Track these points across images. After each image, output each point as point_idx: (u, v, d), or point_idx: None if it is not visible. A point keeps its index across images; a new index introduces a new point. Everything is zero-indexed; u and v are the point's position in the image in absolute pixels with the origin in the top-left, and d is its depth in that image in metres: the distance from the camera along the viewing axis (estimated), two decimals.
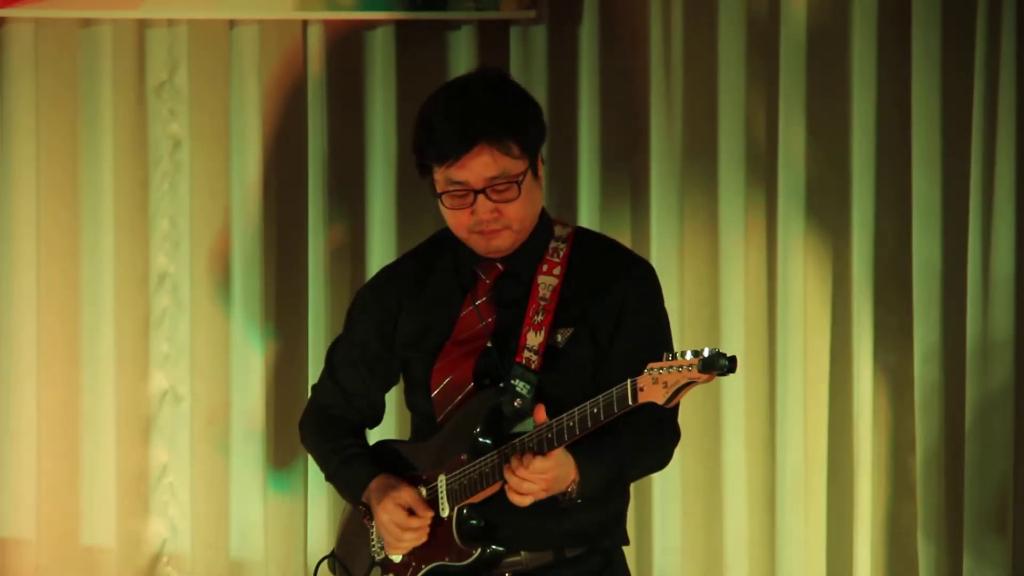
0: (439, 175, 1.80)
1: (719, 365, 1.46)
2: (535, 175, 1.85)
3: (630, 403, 1.56)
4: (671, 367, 1.53)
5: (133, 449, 2.80)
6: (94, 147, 2.75)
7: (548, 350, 1.78)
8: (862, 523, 3.11)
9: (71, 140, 2.75)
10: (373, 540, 1.85)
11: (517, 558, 1.76)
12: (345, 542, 1.94)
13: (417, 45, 2.83)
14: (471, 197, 1.79)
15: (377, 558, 1.86)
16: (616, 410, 1.59)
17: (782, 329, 2.98)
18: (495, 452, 1.69)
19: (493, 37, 2.88)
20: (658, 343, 1.74)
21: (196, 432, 2.80)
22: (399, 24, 2.82)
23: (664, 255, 2.81)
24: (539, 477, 1.63)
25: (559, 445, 1.61)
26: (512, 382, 1.78)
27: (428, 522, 1.76)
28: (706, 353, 1.47)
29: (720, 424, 2.95)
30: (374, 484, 1.81)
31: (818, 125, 3.09)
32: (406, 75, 2.80)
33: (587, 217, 2.83)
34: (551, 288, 1.88)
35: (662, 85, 2.96)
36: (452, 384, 1.87)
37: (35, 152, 2.73)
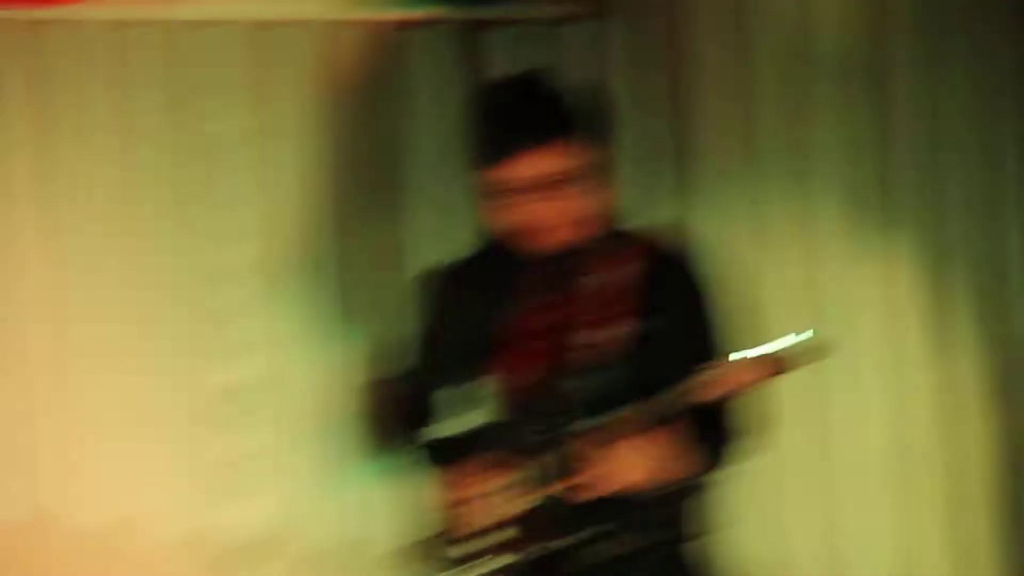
0: (489, 176, 1.86)
1: (776, 365, 1.65)
2: (588, 173, 1.90)
3: (686, 399, 1.72)
4: (723, 366, 1.70)
5: (215, 438, 2.85)
6: (156, 145, 2.79)
7: (611, 345, 1.85)
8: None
9: (130, 139, 2.78)
10: (472, 516, 1.92)
11: (604, 543, 1.85)
12: (440, 520, 1.97)
13: (473, 43, 2.84)
14: (520, 196, 1.85)
15: (472, 533, 1.93)
16: (675, 406, 1.75)
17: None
18: (570, 442, 1.81)
19: (542, 35, 2.89)
20: (712, 342, 1.87)
21: (281, 420, 2.87)
22: (453, 22, 2.85)
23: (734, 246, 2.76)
24: (610, 467, 1.76)
25: (626, 437, 1.74)
26: (576, 378, 1.87)
27: (522, 502, 1.87)
28: (763, 351, 1.63)
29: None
30: (465, 461, 1.90)
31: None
32: (461, 73, 2.82)
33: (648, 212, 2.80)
34: (614, 283, 1.95)
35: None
36: (520, 376, 1.95)
37: (93, 150, 2.77)
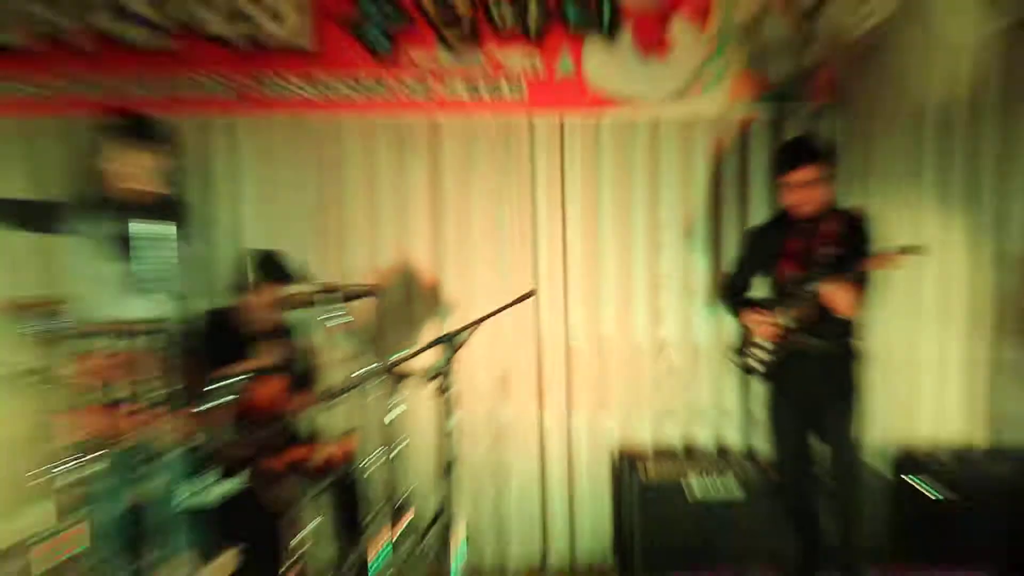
0: (782, 179, 4.37)
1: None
2: (824, 181, 4.32)
3: (860, 272, 4.26)
4: (874, 256, 4.32)
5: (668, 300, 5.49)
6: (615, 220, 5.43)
7: (828, 256, 4.28)
8: None
9: (579, 211, 5.40)
10: (760, 332, 4.55)
11: (822, 341, 4.41)
12: (746, 334, 4.65)
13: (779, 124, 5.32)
14: (795, 190, 4.31)
15: (760, 342, 4.57)
16: (857, 275, 4.26)
17: None
18: (809, 296, 4.30)
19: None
20: (868, 253, 4.30)
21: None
22: (772, 116, 5.31)
23: None
24: (833, 300, 4.23)
25: (841, 288, 4.23)
26: (815, 269, 4.31)
27: (785, 323, 4.43)
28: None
29: None
30: (757, 307, 4.53)
31: None
32: (771, 141, 5.26)
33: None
34: (831, 231, 4.34)
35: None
36: (790, 271, 4.40)
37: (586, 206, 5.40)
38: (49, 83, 5.06)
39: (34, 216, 4.39)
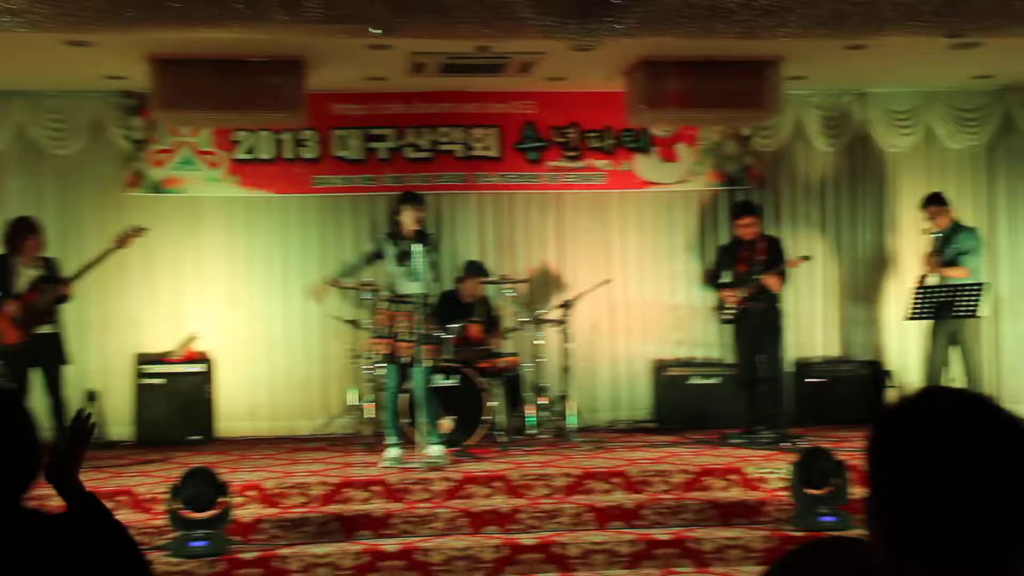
0: (736, 222, 9.11)
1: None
2: (757, 221, 9.16)
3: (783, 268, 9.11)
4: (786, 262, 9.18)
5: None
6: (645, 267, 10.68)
7: (760, 259, 9.56)
8: None
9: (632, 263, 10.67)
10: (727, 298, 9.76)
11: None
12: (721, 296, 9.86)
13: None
14: (742, 227, 9.40)
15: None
16: (780, 269, 9.38)
17: None
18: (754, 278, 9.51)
19: None
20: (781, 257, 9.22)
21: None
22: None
23: None
24: (773, 282, 9.43)
25: (767, 275, 9.42)
26: (756, 268, 9.51)
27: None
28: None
29: None
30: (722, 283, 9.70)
31: None
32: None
33: None
34: (762, 246, 9.63)
35: None
36: (742, 271, 9.40)
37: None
38: (377, 177, 10.11)
39: (371, 256, 8.36)
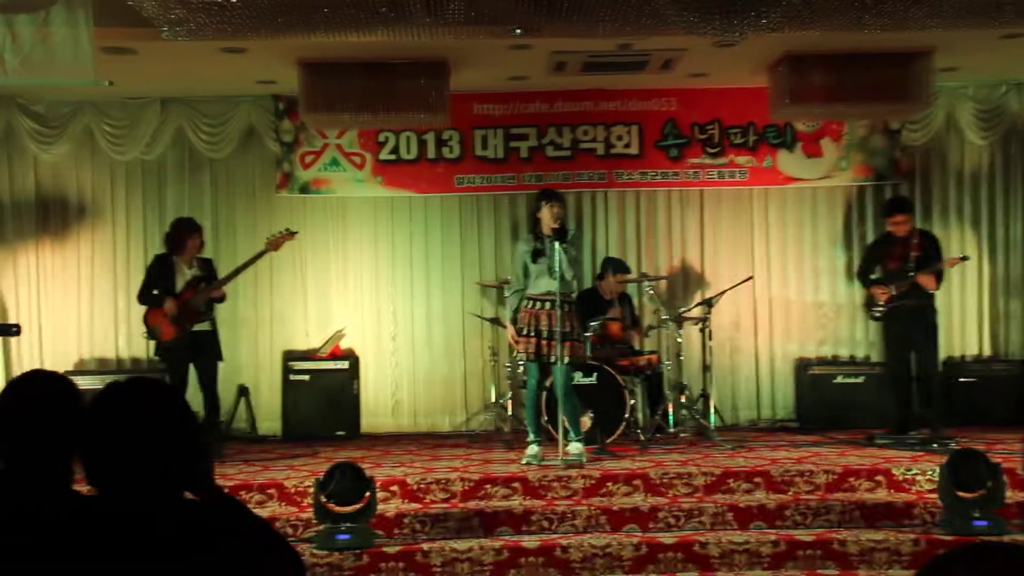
0: (889, 219, 8.72)
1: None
2: (910, 217, 8.76)
3: (938, 268, 8.65)
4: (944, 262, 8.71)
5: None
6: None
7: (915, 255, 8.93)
8: None
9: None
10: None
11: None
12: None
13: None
14: (895, 224, 8.71)
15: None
16: (936, 269, 8.61)
17: None
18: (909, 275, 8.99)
19: None
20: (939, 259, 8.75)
21: None
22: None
23: None
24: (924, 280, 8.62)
25: (923, 275, 8.64)
26: (909, 265, 8.76)
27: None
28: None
29: None
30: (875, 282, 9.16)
31: None
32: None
33: None
34: (914, 242, 8.64)
35: None
36: (894, 266, 8.75)
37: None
38: (518, 176, 10.18)
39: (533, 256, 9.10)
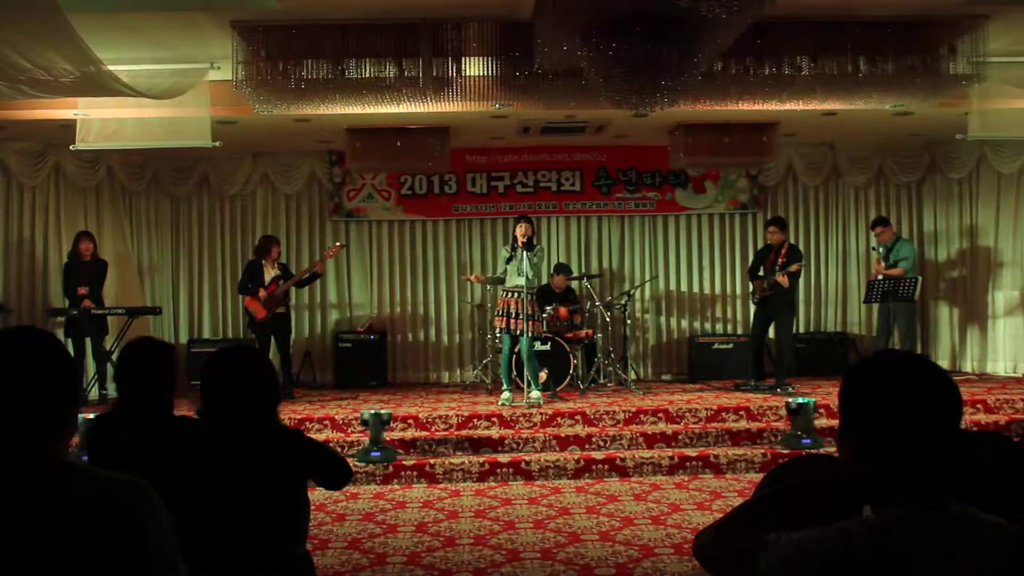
0: (768, 231, 8.78)
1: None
2: (782, 231, 8.52)
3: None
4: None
5: None
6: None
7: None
8: None
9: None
10: None
11: None
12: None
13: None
14: (771, 235, 9.18)
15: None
16: None
17: None
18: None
19: None
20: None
21: None
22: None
23: None
24: None
25: None
26: (777, 267, 9.15)
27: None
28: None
29: None
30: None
31: None
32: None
33: None
34: (783, 251, 8.61)
35: None
36: (769, 267, 8.78)
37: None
38: (498, 205, 10.19)
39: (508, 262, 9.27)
